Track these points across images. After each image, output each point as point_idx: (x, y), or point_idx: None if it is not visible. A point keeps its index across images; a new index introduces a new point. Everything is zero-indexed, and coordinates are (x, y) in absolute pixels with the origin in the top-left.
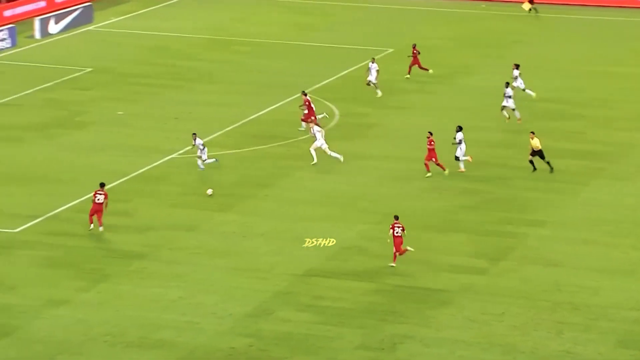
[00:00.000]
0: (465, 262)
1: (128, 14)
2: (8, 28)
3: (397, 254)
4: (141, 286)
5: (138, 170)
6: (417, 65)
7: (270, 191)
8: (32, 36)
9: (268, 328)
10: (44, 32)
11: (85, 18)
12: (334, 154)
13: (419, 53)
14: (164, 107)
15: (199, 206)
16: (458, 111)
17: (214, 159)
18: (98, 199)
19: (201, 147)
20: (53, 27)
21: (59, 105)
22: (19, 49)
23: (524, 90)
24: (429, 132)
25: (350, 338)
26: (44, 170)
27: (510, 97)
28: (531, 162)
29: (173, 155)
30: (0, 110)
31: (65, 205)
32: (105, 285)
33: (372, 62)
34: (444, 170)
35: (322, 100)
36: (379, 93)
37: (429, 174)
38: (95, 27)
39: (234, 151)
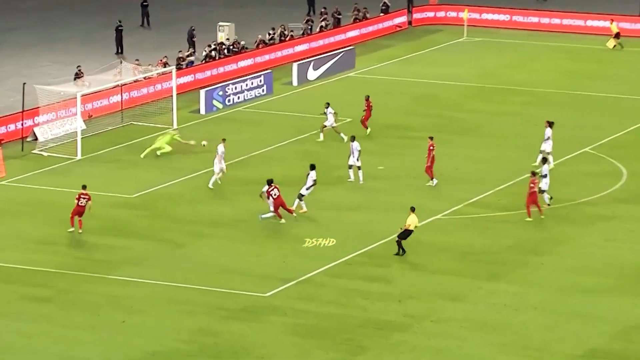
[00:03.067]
0: None
1: (393, 59)
2: (264, 74)
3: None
4: None
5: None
6: (367, 118)
7: (546, 258)
8: (289, 83)
9: None
10: (302, 79)
11: (346, 63)
12: (215, 180)
13: (371, 108)
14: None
15: (465, 273)
16: None
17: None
18: (274, 194)
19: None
20: (312, 73)
21: (311, 157)
22: (275, 97)
23: (548, 153)
24: None
25: None
26: (295, 230)
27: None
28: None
29: (438, 216)
30: (255, 161)
31: (319, 269)
32: (362, 359)
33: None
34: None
35: (607, 157)
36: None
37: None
38: (356, 74)
39: (505, 213)
